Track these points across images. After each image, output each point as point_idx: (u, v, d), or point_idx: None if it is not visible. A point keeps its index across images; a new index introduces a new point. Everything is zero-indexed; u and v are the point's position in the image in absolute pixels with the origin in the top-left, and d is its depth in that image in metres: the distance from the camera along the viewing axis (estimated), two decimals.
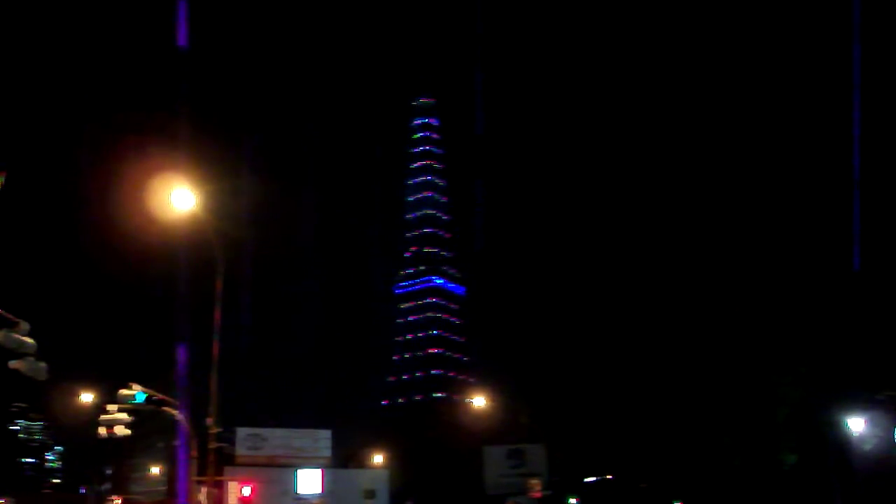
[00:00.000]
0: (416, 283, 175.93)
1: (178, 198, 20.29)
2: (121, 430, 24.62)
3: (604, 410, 54.55)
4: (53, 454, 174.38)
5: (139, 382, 24.67)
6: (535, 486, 36.54)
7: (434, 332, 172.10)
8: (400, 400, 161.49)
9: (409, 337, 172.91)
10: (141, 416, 26.52)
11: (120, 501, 68.65)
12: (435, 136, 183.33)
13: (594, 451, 55.69)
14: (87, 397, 40.57)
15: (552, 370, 64.38)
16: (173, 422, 29.43)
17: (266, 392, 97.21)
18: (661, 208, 69.66)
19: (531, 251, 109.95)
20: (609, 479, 57.14)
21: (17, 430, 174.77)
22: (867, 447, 37.49)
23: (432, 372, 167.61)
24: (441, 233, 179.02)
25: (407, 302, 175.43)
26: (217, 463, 27.56)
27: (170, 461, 64.10)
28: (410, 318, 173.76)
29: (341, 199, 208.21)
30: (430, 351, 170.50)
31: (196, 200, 20.72)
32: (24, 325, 15.10)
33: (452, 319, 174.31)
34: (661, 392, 49.81)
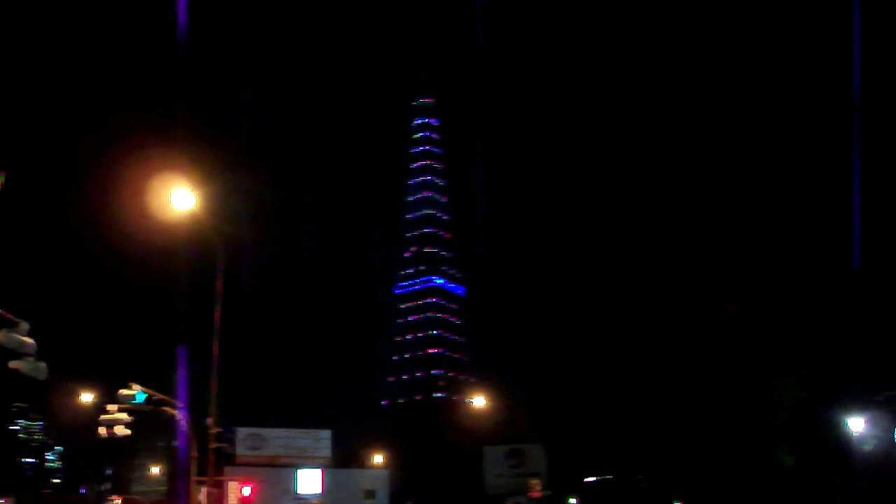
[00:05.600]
0: (416, 283, 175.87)
1: (178, 198, 20.31)
2: (121, 430, 24.65)
3: (603, 410, 54.54)
4: (53, 454, 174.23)
5: (139, 382, 24.68)
6: (535, 486, 36.58)
7: (434, 332, 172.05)
8: (400, 400, 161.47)
9: (409, 337, 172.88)
10: (141, 416, 26.52)
11: (120, 501, 68.59)
12: (435, 136, 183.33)
13: (594, 451, 55.67)
14: (87, 397, 40.54)
15: (552, 370, 64.38)
16: (173, 422, 29.42)
17: (266, 392, 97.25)
18: (661, 208, 69.64)
19: (531, 251, 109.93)
20: (609, 478, 57.15)
21: (17, 430, 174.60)
22: (867, 447, 37.46)
23: (432, 372, 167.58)
24: (441, 233, 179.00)
25: (407, 302, 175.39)
26: (217, 463, 27.59)
27: (170, 461, 64.17)
28: (410, 318, 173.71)
29: (341, 199, 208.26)
30: (430, 351, 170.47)
31: (196, 200, 20.75)
32: (24, 325, 15.11)
33: (452, 319, 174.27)
34: (660, 392, 49.81)
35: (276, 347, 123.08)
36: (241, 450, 44.13)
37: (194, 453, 26.15)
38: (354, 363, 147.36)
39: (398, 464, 66.16)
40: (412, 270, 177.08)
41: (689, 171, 66.96)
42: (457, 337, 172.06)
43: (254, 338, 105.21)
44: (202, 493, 32.03)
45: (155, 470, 77.02)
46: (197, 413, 30.78)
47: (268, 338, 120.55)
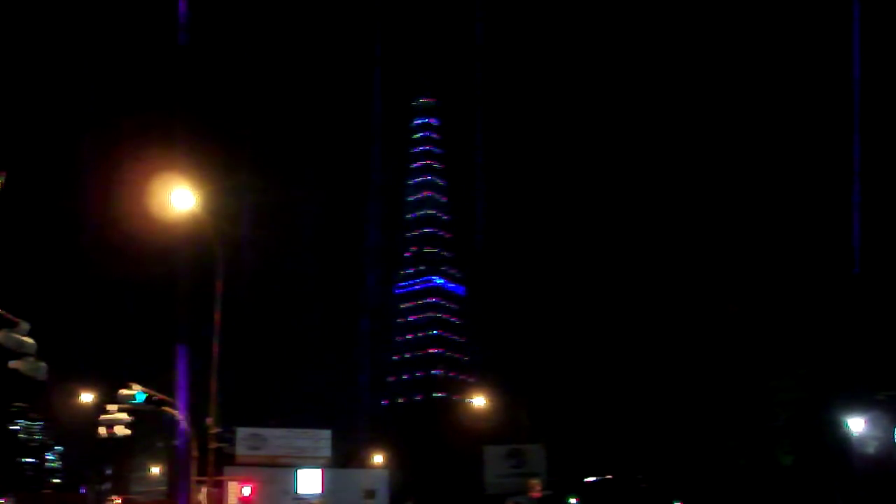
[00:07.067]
0: (416, 283, 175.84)
1: (178, 198, 20.33)
2: (121, 430, 24.60)
3: (603, 410, 54.58)
4: (53, 454, 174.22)
5: (139, 382, 24.67)
6: (535, 486, 36.49)
7: (434, 332, 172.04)
8: (400, 400, 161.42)
9: (409, 337, 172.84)
10: (141, 416, 26.50)
11: (120, 501, 68.56)
12: (435, 136, 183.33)
13: (594, 451, 55.72)
14: (87, 397, 40.62)
15: (552, 370, 64.40)
16: (173, 422, 29.45)
17: (266, 392, 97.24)
18: (661, 210, 69.64)
19: (531, 251, 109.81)
20: (609, 479, 57.16)
21: (17, 430, 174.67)
22: (867, 448, 37.45)
23: (432, 372, 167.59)
24: (441, 233, 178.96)
25: (407, 302, 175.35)
26: (217, 463, 27.59)
27: (170, 461, 64.19)
28: (410, 318, 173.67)
29: (341, 199, 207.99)
30: (430, 351, 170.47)
31: (196, 200, 20.76)
32: (24, 325, 15.10)
33: (452, 319, 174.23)
34: (661, 392, 49.85)
35: (276, 347, 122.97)
36: (241, 450, 44.10)
37: (194, 453, 26.15)
38: (354, 363, 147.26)
39: (398, 464, 66.15)
40: (412, 270, 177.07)
41: (690, 171, 66.97)
42: (457, 337, 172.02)
43: (254, 338, 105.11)
44: (202, 493, 32.05)
45: (155, 470, 76.98)
46: (197, 413, 30.79)
47: (268, 338, 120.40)
